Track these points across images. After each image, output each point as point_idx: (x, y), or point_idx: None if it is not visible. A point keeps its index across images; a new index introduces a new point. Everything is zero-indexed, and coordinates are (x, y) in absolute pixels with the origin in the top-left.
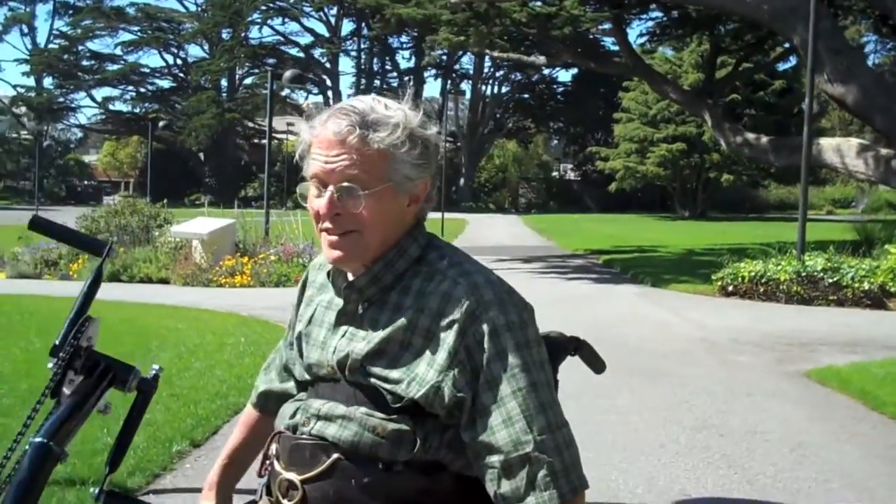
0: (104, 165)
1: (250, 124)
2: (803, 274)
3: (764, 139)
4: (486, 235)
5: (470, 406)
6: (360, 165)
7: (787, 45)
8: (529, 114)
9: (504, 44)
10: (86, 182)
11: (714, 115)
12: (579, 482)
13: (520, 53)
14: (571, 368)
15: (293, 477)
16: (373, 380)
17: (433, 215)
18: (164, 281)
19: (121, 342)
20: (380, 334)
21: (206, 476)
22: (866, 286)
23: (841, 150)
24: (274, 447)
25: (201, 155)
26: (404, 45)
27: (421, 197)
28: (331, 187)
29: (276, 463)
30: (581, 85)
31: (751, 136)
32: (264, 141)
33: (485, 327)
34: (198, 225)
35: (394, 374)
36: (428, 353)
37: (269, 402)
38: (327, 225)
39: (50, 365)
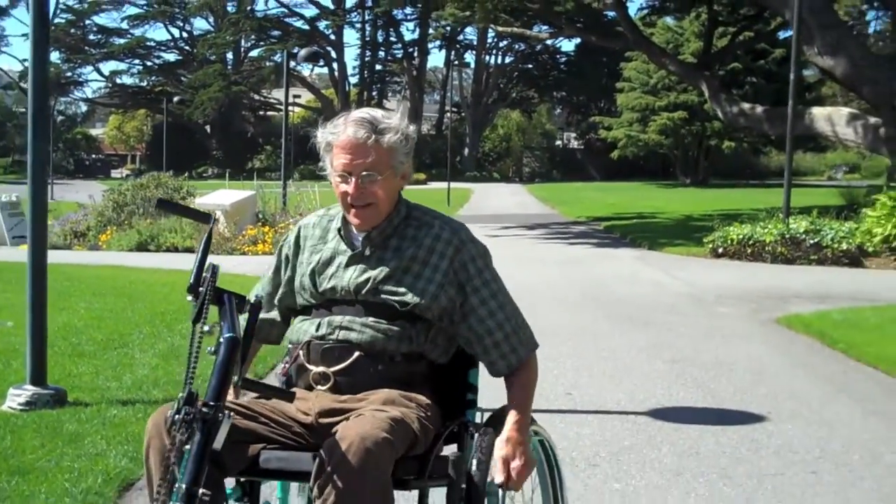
0: (111, 139)
1: (256, 97)
2: (787, 236)
3: (759, 109)
4: (491, 204)
5: (459, 308)
6: (375, 159)
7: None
8: (533, 84)
9: (508, 18)
10: (93, 156)
11: (711, 85)
12: (535, 343)
13: (523, 26)
14: (573, 316)
15: (325, 370)
16: (383, 296)
17: (440, 185)
18: (190, 250)
19: (170, 301)
20: (388, 266)
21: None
22: (844, 246)
23: (832, 118)
24: (302, 353)
25: (207, 127)
26: (409, 17)
27: (407, 175)
28: (353, 177)
29: (306, 364)
30: (584, 55)
31: (746, 106)
32: (269, 113)
33: (466, 256)
34: (220, 196)
35: (401, 290)
36: (426, 274)
37: (262, 330)
38: (353, 202)
39: (189, 298)
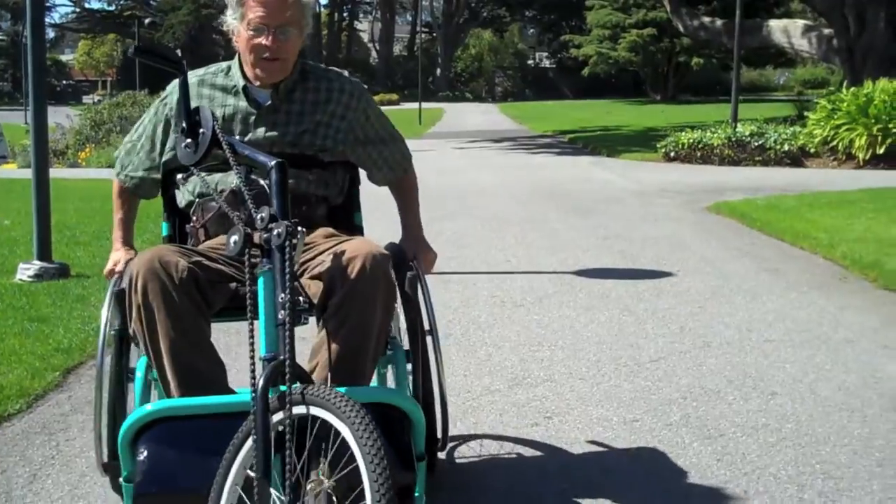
0: (80, 65)
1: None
2: (733, 139)
3: (718, 22)
4: (463, 122)
5: (363, 140)
6: (291, 14)
7: None
8: (504, 2)
9: None
10: (63, 82)
11: None
12: (410, 155)
13: None
14: (524, 208)
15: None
16: (302, 147)
17: (411, 105)
18: None
19: (152, 204)
20: (302, 119)
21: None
22: (787, 148)
23: (788, 30)
24: (224, 203)
25: (178, 51)
26: None
27: (305, 38)
28: (270, 30)
29: (230, 212)
30: None
31: (706, 19)
32: None
33: (364, 102)
34: None
35: (318, 141)
36: (335, 120)
37: (143, 188)
38: (267, 55)
39: (188, 141)
